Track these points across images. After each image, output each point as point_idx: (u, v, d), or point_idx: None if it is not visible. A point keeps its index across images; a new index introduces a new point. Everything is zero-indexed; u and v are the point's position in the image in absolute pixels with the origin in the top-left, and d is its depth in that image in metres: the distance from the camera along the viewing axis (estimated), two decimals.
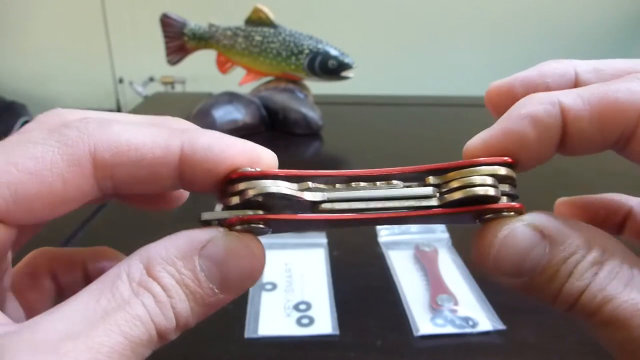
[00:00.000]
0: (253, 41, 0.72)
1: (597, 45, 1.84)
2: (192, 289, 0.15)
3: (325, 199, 0.17)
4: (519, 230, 0.16)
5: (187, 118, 0.69)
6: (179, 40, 0.75)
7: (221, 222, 0.17)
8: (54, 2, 1.94)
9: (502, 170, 0.16)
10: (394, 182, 0.17)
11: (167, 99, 1.09)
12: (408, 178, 0.18)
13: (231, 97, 0.71)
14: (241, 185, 0.16)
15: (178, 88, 1.92)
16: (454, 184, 0.16)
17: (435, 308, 0.37)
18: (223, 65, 0.77)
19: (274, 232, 0.17)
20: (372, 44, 1.80)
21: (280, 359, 0.34)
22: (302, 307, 0.38)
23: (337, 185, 0.17)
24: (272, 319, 0.36)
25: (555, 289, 0.16)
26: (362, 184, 0.17)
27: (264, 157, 0.17)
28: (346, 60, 0.71)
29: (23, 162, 0.14)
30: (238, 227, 0.16)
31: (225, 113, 0.68)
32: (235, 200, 0.16)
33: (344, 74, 0.72)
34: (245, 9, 0.73)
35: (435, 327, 0.35)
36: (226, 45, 0.74)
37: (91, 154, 0.15)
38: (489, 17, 1.83)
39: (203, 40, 0.75)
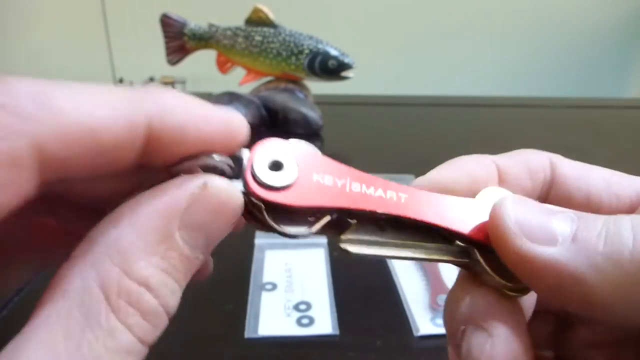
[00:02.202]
0: (253, 41, 0.72)
1: (596, 45, 1.84)
2: (180, 269, 0.13)
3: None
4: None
5: None
6: (179, 40, 0.75)
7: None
8: (54, 2, 1.94)
9: None
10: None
11: None
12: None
13: (231, 97, 0.71)
14: None
15: (178, 88, 1.92)
16: None
17: (435, 308, 0.37)
18: (223, 65, 0.77)
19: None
20: (372, 44, 1.79)
21: (280, 359, 0.34)
22: (302, 307, 0.38)
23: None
24: (272, 319, 0.36)
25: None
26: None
27: (239, 137, 0.15)
28: (346, 60, 0.71)
29: None
30: None
31: None
32: None
33: (344, 74, 0.72)
34: (245, 9, 0.73)
35: (435, 327, 0.35)
36: (226, 45, 0.74)
37: (34, 148, 0.11)
38: (489, 17, 1.83)
39: (203, 40, 0.75)
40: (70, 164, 0.11)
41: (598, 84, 1.87)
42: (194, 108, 0.13)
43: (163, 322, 0.12)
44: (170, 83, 1.90)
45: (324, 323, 0.36)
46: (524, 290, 0.16)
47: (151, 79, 1.95)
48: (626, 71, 1.88)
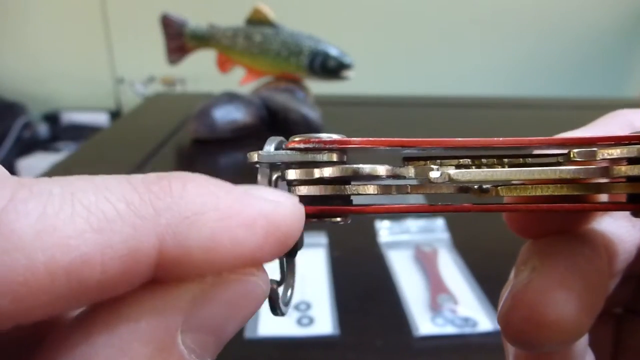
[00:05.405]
0: (253, 41, 0.72)
1: (596, 45, 1.84)
2: None
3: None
4: None
5: (187, 118, 0.69)
6: (179, 40, 0.75)
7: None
8: (54, 2, 1.94)
9: None
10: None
11: (167, 99, 1.09)
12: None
13: (231, 97, 0.71)
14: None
15: (178, 88, 1.92)
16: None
17: (435, 308, 0.37)
18: (223, 65, 0.77)
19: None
20: (372, 44, 1.79)
21: (280, 359, 0.33)
22: (302, 307, 0.38)
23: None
24: (272, 319, 0.36)
25: None
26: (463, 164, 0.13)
27: (290, 238, 0.11)
28: (346, 60, 0.71)
29: None
30: None
31: (225, 113, 0.68)
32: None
33: (344, 74, 0.72)
34: (245, 9, 0.73)
35: (435, 327, 0.35)
36: (226, 45, 0.74)
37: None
38: (489, 17, 1.83)
39: (203, 40, 0.75)
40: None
41: (598, 84, 1.87)
42: (227, 217, 0.10)
43: None
44: (170, 83, 1.90)
45: (324, 323, 0.36)
46: None
47: (151, 79, 1.95)
48: (626, 71, 1.88)
